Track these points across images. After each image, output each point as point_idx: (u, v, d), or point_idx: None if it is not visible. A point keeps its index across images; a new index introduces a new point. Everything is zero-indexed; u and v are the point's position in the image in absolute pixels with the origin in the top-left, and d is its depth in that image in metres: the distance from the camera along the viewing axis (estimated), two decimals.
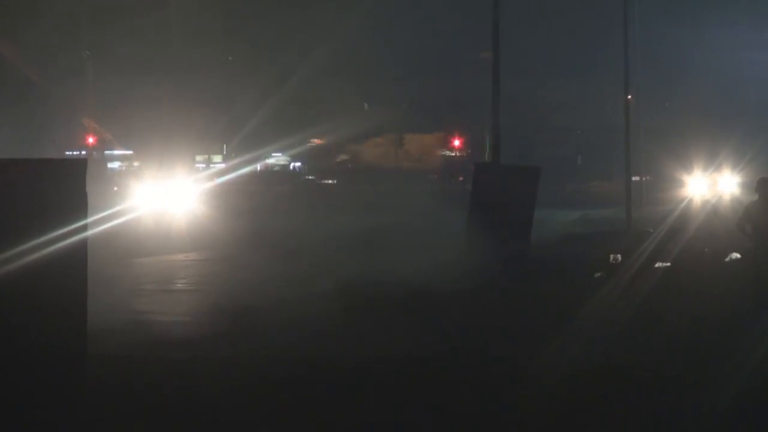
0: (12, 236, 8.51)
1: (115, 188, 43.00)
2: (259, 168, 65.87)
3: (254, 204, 41.90)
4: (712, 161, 43.11)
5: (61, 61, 51.65)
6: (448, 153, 67.82)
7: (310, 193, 53.98)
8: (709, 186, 41.29)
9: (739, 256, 19.30)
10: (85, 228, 8.74)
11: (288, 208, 41.43)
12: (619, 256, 20.50)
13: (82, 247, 8.75)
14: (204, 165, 61.08)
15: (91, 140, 50.66)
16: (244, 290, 17.32)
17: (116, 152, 59.79)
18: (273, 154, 68.91)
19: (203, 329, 13.95)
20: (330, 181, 63.12)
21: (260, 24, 59.14)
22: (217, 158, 63.57)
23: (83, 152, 50.35)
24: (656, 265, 19.70)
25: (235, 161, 60.62)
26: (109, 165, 56.31)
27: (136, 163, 57.49)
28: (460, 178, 54.18)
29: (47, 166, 8.96)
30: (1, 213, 8.52)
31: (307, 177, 65.47)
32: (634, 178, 33.70)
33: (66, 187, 8.76)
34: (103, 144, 53.92)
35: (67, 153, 51.37)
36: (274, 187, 52.11)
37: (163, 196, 38.57)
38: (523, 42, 54.06)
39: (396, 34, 59.78)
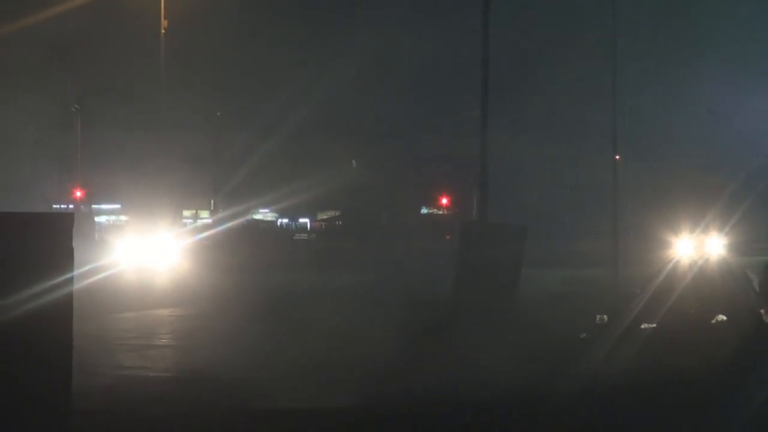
0: None
1: (99, 240, 42.98)
2: (245, 223, 65.95)
3: (240, 260, 41.94)
4: (699, 223, 43.37)
5: (48, 114, 51.90)
6: (433, 211, 68.03)
7: (297, 250, 54.01)
8: (696, 247, 41.44)
9: (725, 318, 19.36)
10: (70, 282, 8.80)
11: (275, 264, 41.42)
12: (605, 317, 20.54)
13: (67, 301, 8.79)
14: (191, 220, 61.25)
15: (78, 194, 50.72)
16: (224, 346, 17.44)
17: (104, 206, 59.87)
18: (260, 210, 69.06)
19: (184, 385, 13.97)
20: (316, 236, 63.25)
21: (249, 78, 59.51)
22: (204, 213, 63.69)
23: (71, 206, 50.36)
24: (642, 326, 19.75)
25: (221, 216, 60.82)
26: (97, 219, 56.33)
27: (123, 218, 57.60)
28: (447, 237, 54.33)
29: (34, 220, 9.02)
30: None
31: (297, 233, 65.55)
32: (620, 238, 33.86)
33: (53, 241, 8.83)
34: (90, 198, 54.00)
35: (54, 206, 51.43)
36: (260, 243, 52.08)
37: (148, 251, 38.59)
38: (513, 101, 54.61)
39: (385, 91, 60.30)
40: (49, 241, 8.89)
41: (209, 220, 57.89)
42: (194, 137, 55.93)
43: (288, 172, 61.91)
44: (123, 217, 57.89)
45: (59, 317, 8.85)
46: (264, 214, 70.14)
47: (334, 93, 56.98)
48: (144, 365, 16.04)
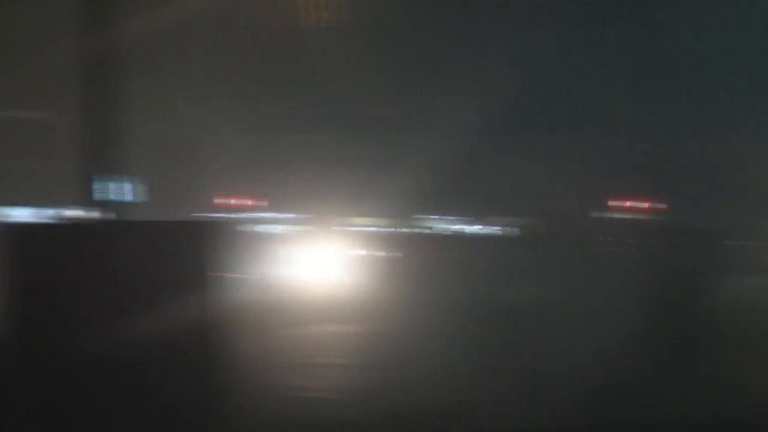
0: None
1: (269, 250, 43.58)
2: (423, 231, 65.74)
3: (421, 271, 41.77)
4: None
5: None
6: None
7: (477, 258, 53.32)
8: None
9: None
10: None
11: (458, 274, 41.08)
12: None
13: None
14: (367, 227, 61.34)
15: (248, 202, 51.54)
16: (402, 367, 17.11)
17: (278, 215, 60.62)
18: (437, 216, 68.64)
19: (352, 408, 13.75)
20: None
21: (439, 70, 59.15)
22: (383, 220, 63.61)
23: (237, 214, 51.24)
24: None
25: (400, 222, 60.73)
26: (268, 228, 57.03)
27: (296, 227, 58.18)
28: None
29: (178, 228, 9.23)
30: None
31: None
32: None
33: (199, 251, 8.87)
34: (260, 205, 54.71)
35: (221, 215, 52.41)
36: (445, 253, 51.64)
37: (322, 262, 38.99)
38: None
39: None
40: (196, 250, 8.81)
41: (388, 227, 57.80)
42: (373, 138, 56.04)
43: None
44: (296, 226, 58.49)
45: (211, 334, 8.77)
46: (447, 221, 69.62)
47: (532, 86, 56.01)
48: (305, 385, 15.88)
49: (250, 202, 51.66)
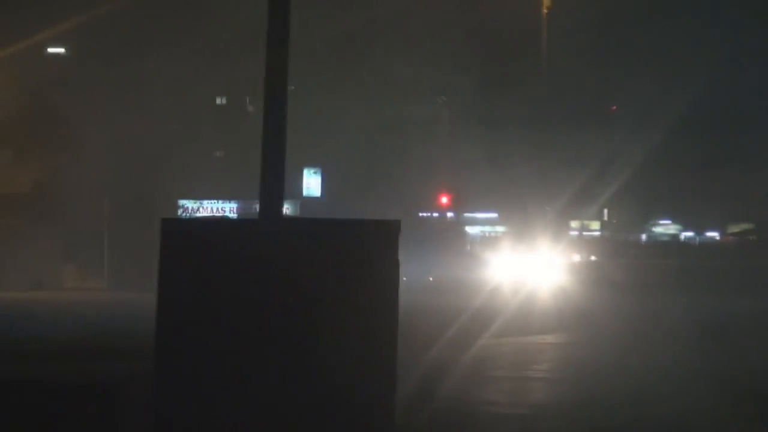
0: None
1: (471, 254, 43.78)
2: (644, 238, 64.69)
3: (632, 279, 41.48)
4: None
5: (414, 107, 53.58)
6: None
7: (703, 270, 52.12)
8: None
9: None
10: (394, 301, 8.66)
11: (673, 285, 40.49)
12: None
13: (389, 322, 8.65)
14: (578, 232, 60.76)
15: (444, 200, 51.58)
16: (606, 381, 16.61)
17: (478, 215, 60.69)
18: (660, 222, 67.46)
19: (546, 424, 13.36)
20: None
21: (644, 59, 58.25)
22: (595, 224, 63.04)
23: (435, 214, 51.44)
24: None
25: (616, 227, 59.89)
26: (469, 229, 57.24)
27: (499, 228, 58.11)
28: None
29: (351, 229, 9.11)
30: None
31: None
32: None
33: (372, 254, 8.79)
34: (459, 205, 54.78)
35: (420, 215, 52.79)
36: (658, 260, 50.72)
37: (528, 267, 38.95)
38: None
39: None
40: (368, 252, 8.74)
41: (600, 233, 57.19)
42: (577, 134, 55.39)
43: (697, 173, 59.92)
44: (500, 228, 58.36)
45: (378, 342, 8.59)
46: (665, 226, 68.42)
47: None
48: (497, 400, 15.59)
49: (446, 200, 51.61)
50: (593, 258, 50.60)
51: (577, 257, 50.92)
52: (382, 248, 8.89)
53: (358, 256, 8.84)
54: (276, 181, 10.31)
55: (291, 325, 8.70)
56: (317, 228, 9.31)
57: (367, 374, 8.72)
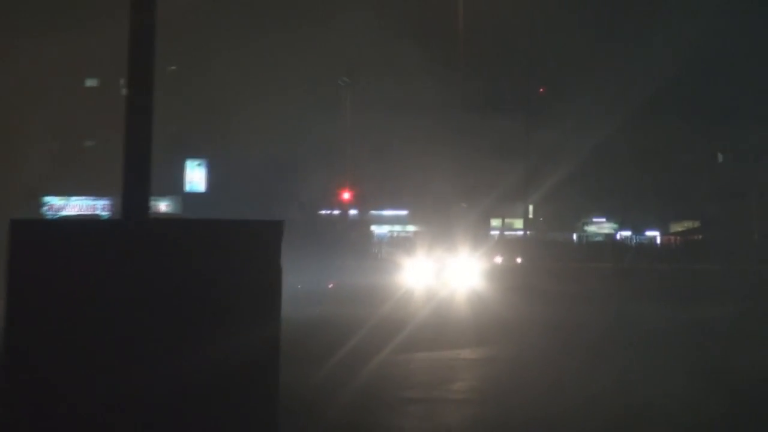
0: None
1: (378, 257, 43.78)
2: (575, 238, 65.30)
3: (561, 286, 41.87)
4: None
5: (313, 90, 53.57)
6: None
7: (641, 274, 52.87)
8: None
9: None
10: (276, 312, 8.64)
11: (607, 292, 40.98)
12: None
13: (272, 338, 8.65)
14: (500, 232, 61.16)
15: (347, 196, 51.47)
16: (526, 401, 16.70)
17: (385, 213, 60.73)
18: (593, 220, 68.21)
19: None
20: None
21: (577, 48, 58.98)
22: (519, 223, 63.45)
23: (336, 211, 51.26)
24: None
25: (541, 227, 60.31)
26: (376, 229, 57.19)
27: (410, 228, 58.19)
28: None
29: (233, 229, 9.06)
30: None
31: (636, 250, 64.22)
32: None
33: (251, 260, 8.80)
34: (364, 202, 54.77)
35: (319, 213, 52.62)
36: (591, 264, 51.26)
37: (443, 272, 39.11)
38: None
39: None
40: (244, 258, 8.71)
41: (523, 232, 57.40)
42: (500, 122, 55.78)
43: (630, 168, 60.69)
44: (410, 227, 58.47)
45: (260, 360, 8.52)
46: (599, 225, 69.18)
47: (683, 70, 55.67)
48: (403, 426, 15.56)
49: (348, 196, 51.37)
50: (519, 260, 50.98)
51: (498, 260, 51.24)
52: (261, 253, 8.83)
53: (231, 263, 8.81)
54: (141, 173, 10.13)
55: (152, 346, 8.58)
56: (187, 229, 9.21)
57: (243, 396, 8.64)
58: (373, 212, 59.08)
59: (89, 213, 59.71)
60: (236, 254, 8.86)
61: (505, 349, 25.07)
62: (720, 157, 68.05)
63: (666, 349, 23.85)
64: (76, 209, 60.52)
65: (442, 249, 42.30)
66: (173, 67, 57.65)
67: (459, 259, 41.51)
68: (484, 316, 31.87)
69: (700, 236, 65.74)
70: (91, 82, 63.72)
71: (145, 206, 10.06)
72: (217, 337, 8.69)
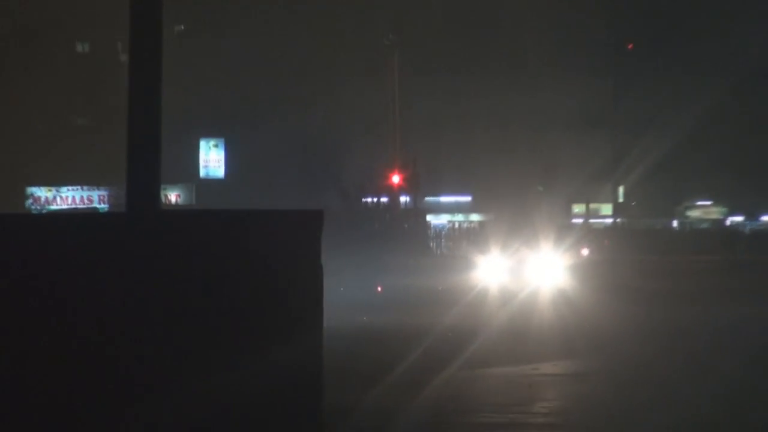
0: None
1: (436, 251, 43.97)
2: (675, 225, 65.18)
3: (663, 284, 41.94)
4: None
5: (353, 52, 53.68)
6: None
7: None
8: None
9: None
10: (318, 322, 8.79)
11: (723, 292, 41.02)
12: None
13: (313, 353, 8.76)
14: (584, 219, 61.10)
15: (396, 180, 51.42)
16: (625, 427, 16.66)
17: (445, 199, 60.80)
18: (698, 203, 68.07)
19: None
20: None
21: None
22: (606, 208, 63.38)
23: (385, 199, 51.26)
24: None
25: (636, 213, 60.22)
26: (432, 219, 57.24)
27: (474, 217, 58.26)
28: None
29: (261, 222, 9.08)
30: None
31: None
32: None
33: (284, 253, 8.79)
34: (417, 187, 54.78)
35: (364, 201, 52.65)
36: (698, 256, 51.21)
37: (518, 269, 39.26)
38: None
39: None
40: (275, 257, 8.72)
41: (614, 219, 57.54)
42: (585, 86, 55.77)
43: (742, 140, 60.61)
44: (475, 216, 58.58)
45: (300, 380, 8.52)
46: (704, 209, 69.05)
47: None
48: None
49: (398, 180, 51.11)
50: (585, 252, 51.08)
51: (585, 253, 51.27)
52: (297, 250, 8.85)
53: (259, 264, 8.82)
54: (148, 157, 10.13)
55: (163, 365, 8.60)
56: (205, 223, 9.20)
57: (280, 424, 8.73)
58: (429, 199, 59.15)
59: (84, 206, 60.08)
60: (265, 253, 8.87)
61: (595, 361, 25.09)
62: None
63: None
64: (67, 202, 60.89)
65: (518, 241, 42.37)
66: (181, 27, 57.99)
67: (539, 254, 41.57)
68: (571, 322, 31.98)
69: None
70: (82, 47, 64.04)
71: (153, 196, 10.06)
72: (244, 355, 8.70)
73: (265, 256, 8.76)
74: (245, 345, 8.65)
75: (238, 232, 8.92)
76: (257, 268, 8.79)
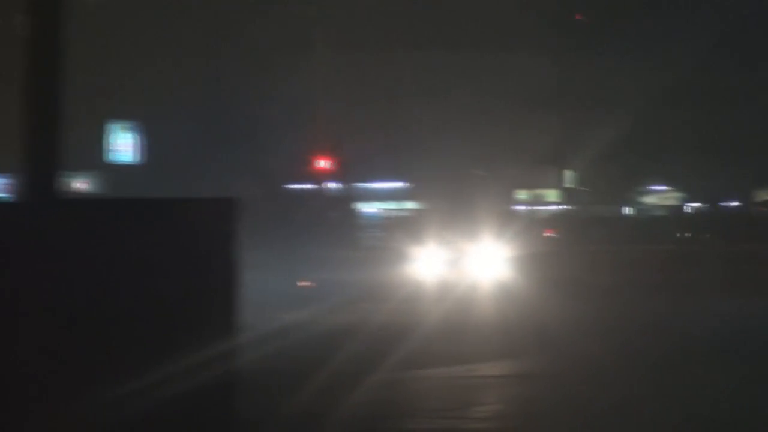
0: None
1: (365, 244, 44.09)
2: (628, 213, 65.59)
3: (616, 277, 42.17)
4: None
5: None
6: None
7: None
8: None
9: None
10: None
11: (682, 285, 41.34)
12: None
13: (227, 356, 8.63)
14: (528, 206, 61.40)
15: (322, 164, 51.59)
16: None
17: (377, 186, 60.96)
18: (653, 188, 68.45)
19: None
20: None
21: None
22: (553, 195, 63.64)
23: (309, 186, 51.37)
24: None
25: (584, 199, 60.54)
26: (362, 207, 57.38)
27: (409, 205, 58.51)
28: None
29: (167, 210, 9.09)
30: None
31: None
32: None
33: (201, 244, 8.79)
34: (345, 171, 54.95)
35: (285, 188, 52.76)
36: (651, 246, 51.45)
37: (455, 262, 39.43)
38: None
39: None
40: (190, 249, 8.72)
41: (560, 206, 57.83)
42: (523, 56, 56.00)
43: (708, 117, 61.05)
44: (409, 204, 58.82)
45: (210, 387, 8.57)
46: (661, 195, 69.49)
47: None
48: None
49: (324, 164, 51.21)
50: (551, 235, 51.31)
51: (530, 245, 51.43)
52: (209, 241, 8.87)
53: (168, 255, 8.84)
54: (48, 141, 10.11)
55: (62, 367, 8.64)
56: (111, 211, 9.20)
57: None
58: (359, 185, 59.24)
59: None
60: (176, 243, 8.89)
61: (540, 362, 25.24)
62: None
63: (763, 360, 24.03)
64: None
65: (455, 232, 42.52)
66: None
67: (475, 245, 41.73)
68: (513, 319, 32.09)
69: None
70: None
71: (55, 184, 10.04)
72: (148, 356, 8.71)
73: (172, 249, 8.78)
74: (149, 347, 8.67)
75: (148, 219, 8.93)
76: (163, 263, 8.81)
